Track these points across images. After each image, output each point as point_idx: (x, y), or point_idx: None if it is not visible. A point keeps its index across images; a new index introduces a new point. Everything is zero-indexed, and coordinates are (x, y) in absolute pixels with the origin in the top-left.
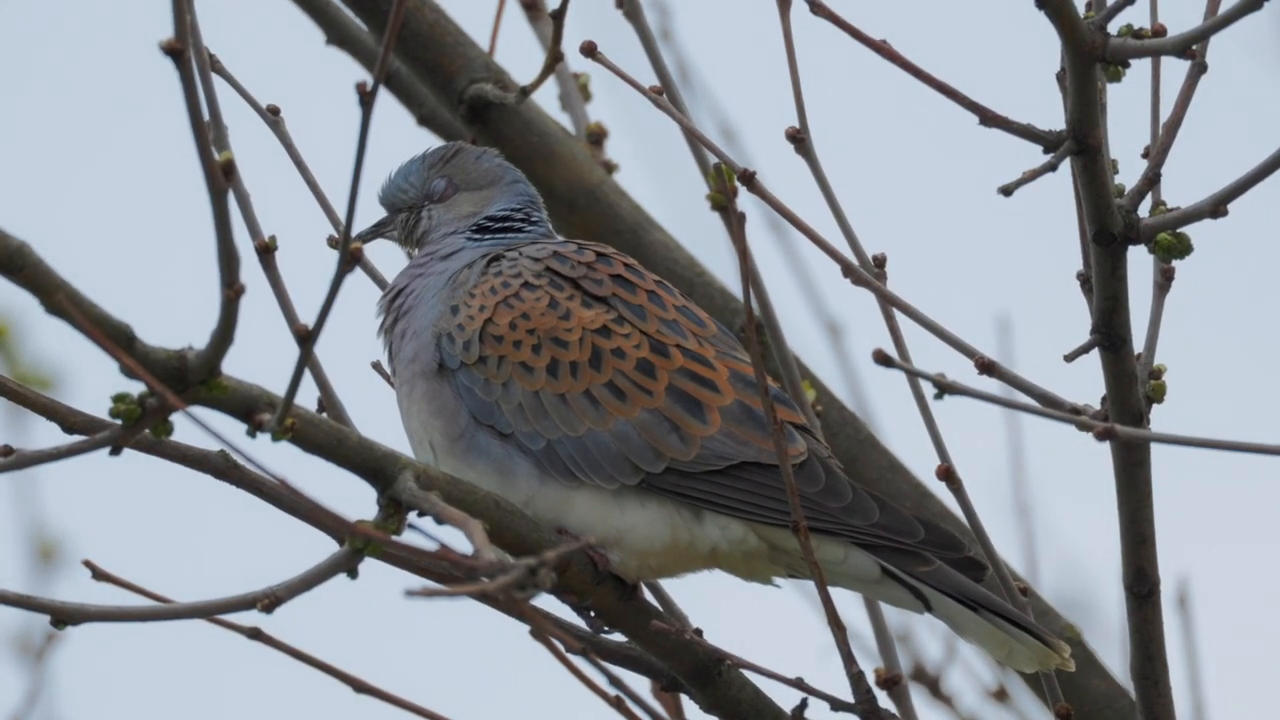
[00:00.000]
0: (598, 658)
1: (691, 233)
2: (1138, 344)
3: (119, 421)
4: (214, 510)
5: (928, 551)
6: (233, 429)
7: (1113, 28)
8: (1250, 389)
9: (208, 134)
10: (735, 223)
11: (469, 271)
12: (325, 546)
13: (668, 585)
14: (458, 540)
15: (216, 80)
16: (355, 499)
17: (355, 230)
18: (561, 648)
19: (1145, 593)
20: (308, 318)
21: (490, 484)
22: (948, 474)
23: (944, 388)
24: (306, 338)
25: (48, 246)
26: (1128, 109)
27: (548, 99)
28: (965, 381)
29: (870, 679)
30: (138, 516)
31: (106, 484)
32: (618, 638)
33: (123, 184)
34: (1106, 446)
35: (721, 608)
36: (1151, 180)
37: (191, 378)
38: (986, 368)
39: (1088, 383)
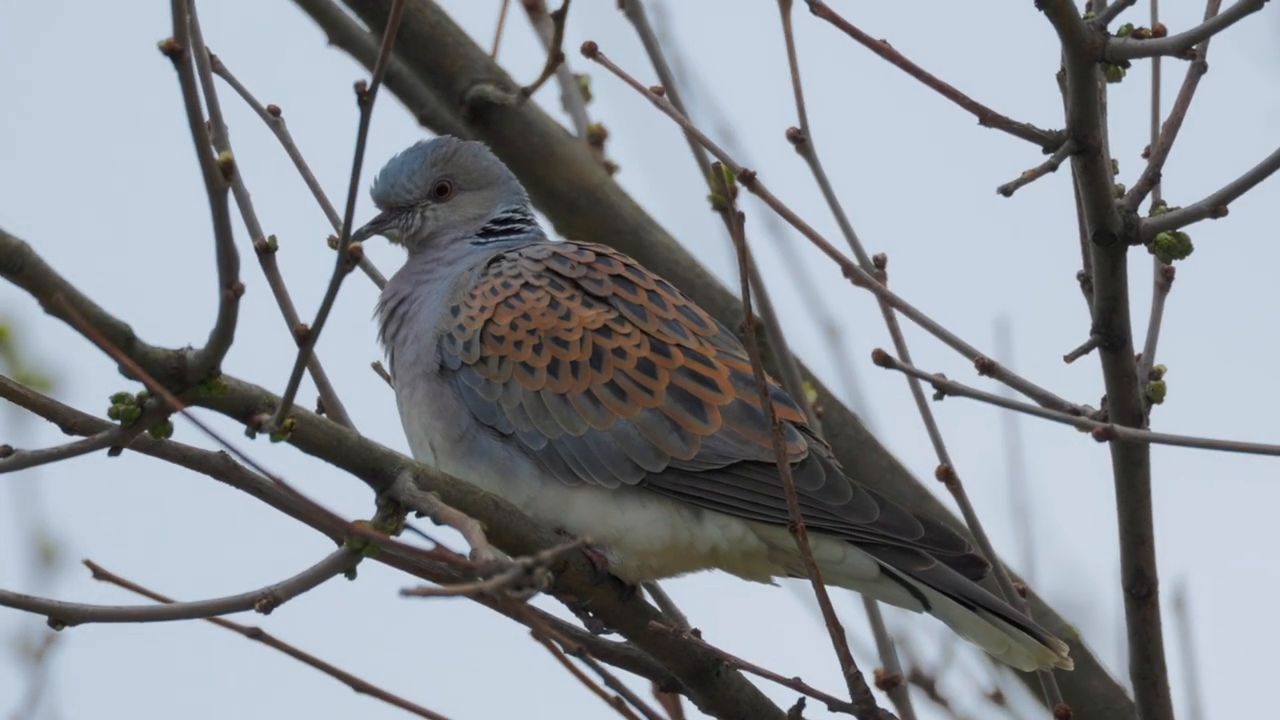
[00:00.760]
0: (596, 658)
1: (692, 233)
2: (1138, 344)
3: (118, 422)
4: (213, 510)
5: (927, 550)
6: (232, 429)
7: (1113, 28)
8: (1250, 389)
9: (208, 134)
10: (735, 223)
11: (469, 273)
12: (324, 547)
13: (666, 585)
14: (456, 541)
15: (217, 80)
16: (354, 499)
17: (354, 229)
18: (560, 648)
19: (1144, 593)
20: (307, 318)
21: (491, 485)
22: (947, 474)
23: (943, 388)
24: (306, 338)
25: (47, 246)
26: (1128, 109)
27: (549, 100)
28: (965, 382)
29: (869, 680)
30: (137, 517)
31: (106, 484)
32: (616, 638)
33: (122, 184)
34: (1106, 447)
35: (720, 608)
36: (1151, 180)
37: (190, 378)
38: (986, 368)
39: (1087, 383)
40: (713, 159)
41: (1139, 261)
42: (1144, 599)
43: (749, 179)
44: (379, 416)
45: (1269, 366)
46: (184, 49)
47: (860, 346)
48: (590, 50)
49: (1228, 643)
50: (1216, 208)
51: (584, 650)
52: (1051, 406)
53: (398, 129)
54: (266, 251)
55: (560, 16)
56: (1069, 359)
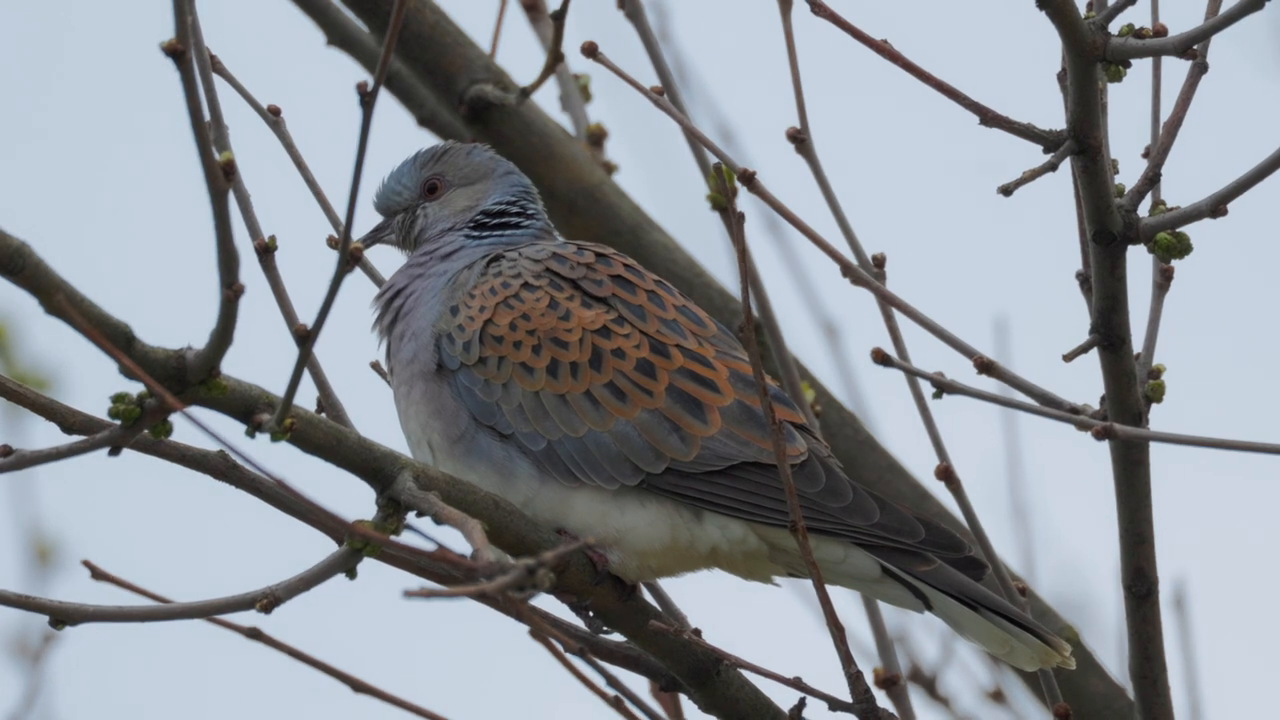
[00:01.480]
0: (596, 658)
1: (691, 233)
2: (1137, 344)
3: (118, 422)
4: (213, 510)
5: (928, 551)
6: (232, 429)
7: (1113, 27)
8: (1250, 389)
9: (208, 134)
10: (735, 223)
11: (469, 272)
12: (324, 547)
13: (666, 585)
14: (456, 541)
15: (217, 80)
16: (354, 499)
17: (355, 231)
18: (560, 648)
19: (1144, 592)
20: (307, 318)
21: (490, 485)
22: (946, 474)
23: (943, 387)
24: (306, 338)
25: (47, 246)
26: (1128, 109)
27: (548, 100)
28: (964, 381)
29: (869, 679)
30: (137, 516)
31: (106, 484)
32: (616, 638)
33: (123, 184)
34: (1105, 446)
35: (720, 608)
36: (1151, 180)
37: (190, 378)
38: (985, 367)
39: (1087, 383)
40: (713, 159)
41: (1138, 261)
42: (1144, 598)
43: (749, 179)
44: (378, 416)
45: (1269, 366)
46: (185, 49)
47: (859, 346)
48: (590, 50)
49: (1228, 642)
50: (1216, 208)
51: (584, 650)
52: (1051, 406)
53: (398, 129)
54: (266, 252)
55: (560, 16)
56: (1068, 358)
